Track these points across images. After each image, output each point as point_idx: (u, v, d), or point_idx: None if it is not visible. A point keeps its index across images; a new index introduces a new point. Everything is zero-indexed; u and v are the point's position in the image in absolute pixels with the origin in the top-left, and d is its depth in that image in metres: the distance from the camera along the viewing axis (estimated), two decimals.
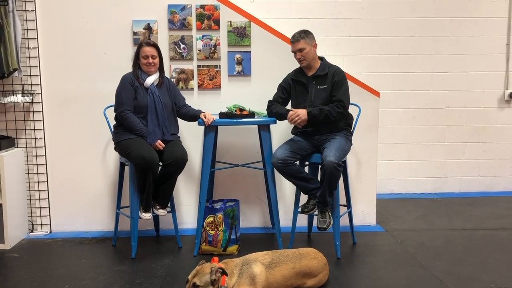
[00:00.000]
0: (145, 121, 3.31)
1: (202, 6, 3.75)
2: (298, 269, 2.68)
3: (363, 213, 3.98)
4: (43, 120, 3.78)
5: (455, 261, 3.20)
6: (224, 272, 2.43)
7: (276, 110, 3.38)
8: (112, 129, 3.45)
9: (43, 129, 3.78)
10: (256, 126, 3.55)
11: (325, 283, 2.82)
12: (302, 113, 3.26)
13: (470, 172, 5.02)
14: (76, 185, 3.85)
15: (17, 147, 3.76)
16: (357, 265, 3.17)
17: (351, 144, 3.41)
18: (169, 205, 3.43)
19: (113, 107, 3.40)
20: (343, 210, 3.50)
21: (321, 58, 3.42)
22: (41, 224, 3.85)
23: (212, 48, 3.79)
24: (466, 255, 3.31)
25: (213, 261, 2.52)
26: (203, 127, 3.45)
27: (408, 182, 5.00)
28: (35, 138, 3.77)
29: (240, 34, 3.78)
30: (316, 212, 3.29)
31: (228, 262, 2.57)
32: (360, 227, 3.87)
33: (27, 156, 3.79)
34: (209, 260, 2.57)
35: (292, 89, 3.44)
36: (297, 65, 3.45)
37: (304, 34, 3.31)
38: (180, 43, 3.78)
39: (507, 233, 3.75)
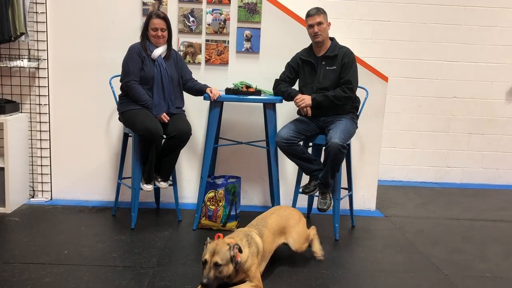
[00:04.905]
0: (150, 93, 3.28)
1: None
2: (276, 229, 2.75)
3: (364, 197, 3.98)
4: (48, 86, 3.75)
5: (452, 249, 3.21)
6: (240, 250, 2.38)
7: (282, 89, 3.36)
8: (117, 99, 3.43)
9: (48, 95, 3.76)
10: (262, 104, 3.53)
11: (318, 253, 2.88)
12: (307, 98, 3.26)
13: (473, 164, 5.01)
14: (78, 154, 3.85)
15: (21, 112, 3.75)
16: (354, 247, 3.18)
17: (357, 127, 3.39)
18: (170, 178, 3.43)
19: (119, 77, 3.38)
20: (343, 193, 3.50)
21: (332, 39, 3.38)
22: (42, 191, 3.86)
23: (222, 23, 3.74)
24: (464, 244, 3.32)
25: (216, 237, 2.47)
26: (208, 102, 3.43)
27: (410, 170, 4.99)
28: (39, 104, 3.75)
29: (250, 10, 3.73)
30: (316, 194, 3.29)
31: (234, 237, 2.52)
32: (359, 211, 3.88)
33: (30, 121, 3.78)
34: (209, 235, 2.56)
35: (301, 69, 3.40)
36: (307, 45, 3.41)
37: (323, 10, 3.28)
38: (190, 16, 3.73)
39: (506, 225, 3.76)
